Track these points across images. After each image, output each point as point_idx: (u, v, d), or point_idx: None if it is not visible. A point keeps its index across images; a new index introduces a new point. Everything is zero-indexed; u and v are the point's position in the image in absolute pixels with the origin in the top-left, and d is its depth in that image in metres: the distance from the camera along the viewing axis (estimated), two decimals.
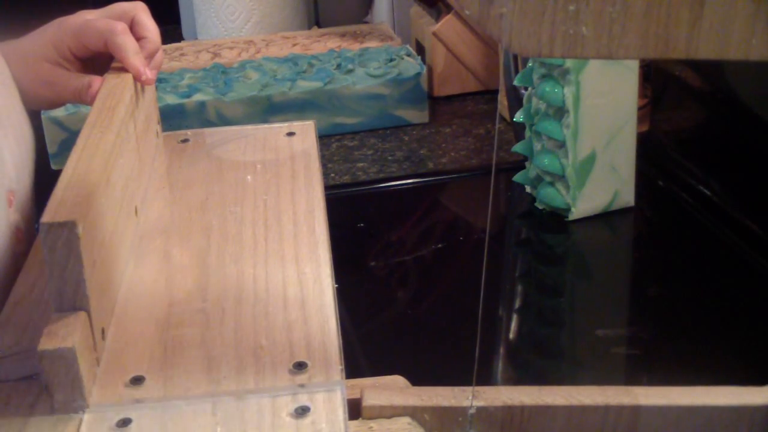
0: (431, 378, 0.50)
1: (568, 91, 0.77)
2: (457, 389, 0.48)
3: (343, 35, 1.15)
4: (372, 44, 1.11)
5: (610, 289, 0.77)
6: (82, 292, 0.44)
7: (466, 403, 0.47)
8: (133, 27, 0.67)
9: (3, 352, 0.46)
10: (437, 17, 1.11)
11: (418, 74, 1.02)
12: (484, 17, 0.33)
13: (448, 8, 1.09)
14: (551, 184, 0.81)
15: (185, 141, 0.70)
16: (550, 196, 0.81)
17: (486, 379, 0.63)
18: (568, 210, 0.81)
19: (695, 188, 0.84)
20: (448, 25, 1.09)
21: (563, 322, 0.71)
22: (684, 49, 0.33)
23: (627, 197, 0.83)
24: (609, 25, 0.33)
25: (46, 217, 0.43)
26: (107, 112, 0.55)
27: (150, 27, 0.68)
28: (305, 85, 1.01)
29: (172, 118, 0.97)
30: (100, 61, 0.68)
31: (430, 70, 1.10)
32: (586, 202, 0.81)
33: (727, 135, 0.82)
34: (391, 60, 1.06)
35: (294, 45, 1.12)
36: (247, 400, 0.43)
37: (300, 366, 0.45)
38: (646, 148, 0.88)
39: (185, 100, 0.98)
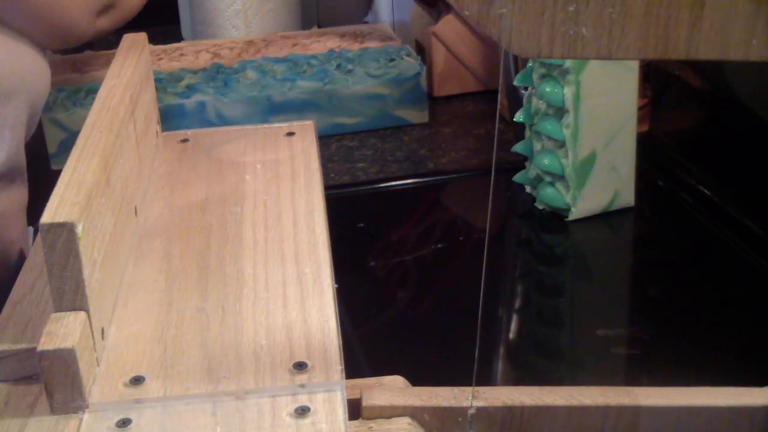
0: (431, 378, 0.50)
1: (568, 91, 0.77)
2: (457, 389, 0.48)
3: (343, 35, 1.15)
4: (372, 44, 1.11)
5: (610, 289, 0.77)
6: (82, 292, 0.44)
7: (466, 404, 0.47)
8: None
9: (3, 352, 0.46)
10: (437, 17, 1.11)
11: (418, 74, 1.02)
12: (483, 18, 0.33)
13: (448, 8, 1.09)
14: (551, 184, 0.81)
15: (185, 141, 0.70)
16: (550, 196, 0.81)
17: (486, 379, 0.63)
18: (568, 210, 0.81)
19: (695, 188, 0.84)
20: (448, 25, 1.09)
21: (563, 322, 0.71)
22: (684, 49, 0.33)
23: (627, 197, 0.83)
24: (609, 26, 0.33)
25: (46, 217, 0.43)
26: (107, 112, 0.55)
27: None
28: (305, 85, 1.01)
29: (172, 118, 0.97)
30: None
31: (429, 70, 1.10)
32: (586, 202, 0.81)
33: (727, 135, 0.82)
34: (391, 60, 1.06)
35: (294, 45, 1.12)
36: (247, 400, 0.43)
37: (300, 366, 0.45)
38: (646, 148, 0.88)
39: (185, 100, 0.98)
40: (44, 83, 0.80)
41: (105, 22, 0.88)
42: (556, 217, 0.82)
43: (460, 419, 0.47)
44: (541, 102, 0.80)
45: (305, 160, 0.66)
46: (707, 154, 0.85)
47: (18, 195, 0.77)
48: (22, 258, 0.80)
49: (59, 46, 0.86)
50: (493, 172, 0.80)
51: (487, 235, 0.80)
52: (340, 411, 0.42)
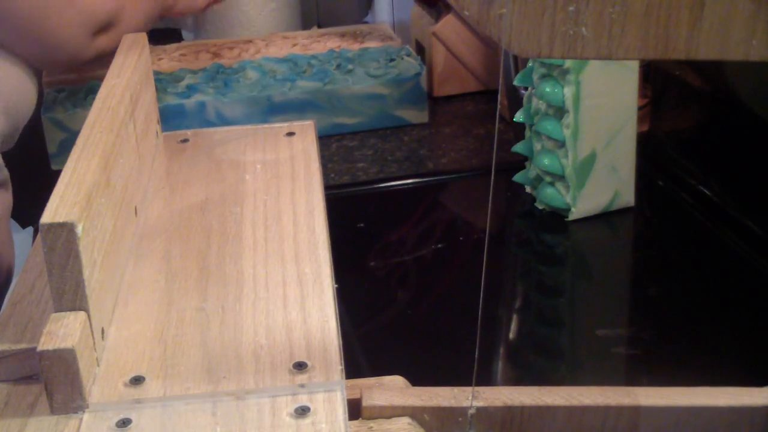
0: (431, 378, 0.50)
1: (568, 91, 0.77)
2: (457, 389, 0.48)
3: (343, 35, 1.15)
4: (372, 44, 1.11)
5: (610, 289, 0.77)
6: (82, 292, 0.44)
7: (466, 404, 0.47)
8: None
9: (3, 352, 0.46)
10: (437, 17, 1.11)
11: (418, 74, 1.02)
12: (483, 18, 0.33)
13: (448, 8, 1.09)
14: (551, 184, 0.81)
15: (185, 141, 0.70)
16: (550, 196, 0.81)
17: (486, 379, 0.63)
18: (568, 210, 0.81)
19: (695, 188, 0.84)
20: (448, 25, 1.09)
21: (563, 322, 0.71)
22: (684, 49, 0.33)
23: (627, 197, 0.83)
24: (609, 26, 0.33)
25: (46, 217, 0.43)
26: (107, 112, 0.55)
27: None
28: (305, 85, 1.01)
29: (172, 118, 0.97)
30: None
31: (430, 70, 1.10)
32: (586, 202, 0.81)
33: (727, 135, 0.82)
34: (391, 60, 1.06)
35: (294, 45, 1.12)
36: (247, 400, 0.43)
37: (300, 366, 0.45)
38: (646, 148, 0.88)
39: (185, 100, 0.98)
40: (29, 104, 0.81)
41: (104, 42, 0.87)
42: (556, 217, 0.82)
43: (460, 419, 0.47)
44: (541, 102, 0.80)
45: (305, 160, 0.66)
46: (707, 154, 0.85)
47: (2, 201, 0.78)
48: (8, 261, 0.80)
49: (52, 65, 0.86)
50: (493, 172, 0.80)
51: (487, 235, 0.80)
52: (340, 411, 0.42)
